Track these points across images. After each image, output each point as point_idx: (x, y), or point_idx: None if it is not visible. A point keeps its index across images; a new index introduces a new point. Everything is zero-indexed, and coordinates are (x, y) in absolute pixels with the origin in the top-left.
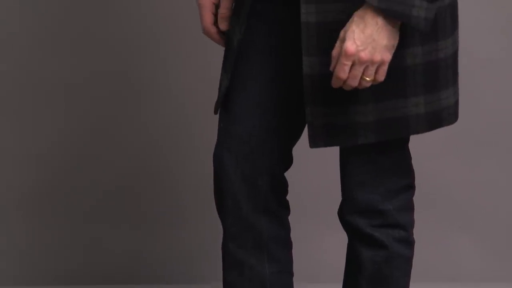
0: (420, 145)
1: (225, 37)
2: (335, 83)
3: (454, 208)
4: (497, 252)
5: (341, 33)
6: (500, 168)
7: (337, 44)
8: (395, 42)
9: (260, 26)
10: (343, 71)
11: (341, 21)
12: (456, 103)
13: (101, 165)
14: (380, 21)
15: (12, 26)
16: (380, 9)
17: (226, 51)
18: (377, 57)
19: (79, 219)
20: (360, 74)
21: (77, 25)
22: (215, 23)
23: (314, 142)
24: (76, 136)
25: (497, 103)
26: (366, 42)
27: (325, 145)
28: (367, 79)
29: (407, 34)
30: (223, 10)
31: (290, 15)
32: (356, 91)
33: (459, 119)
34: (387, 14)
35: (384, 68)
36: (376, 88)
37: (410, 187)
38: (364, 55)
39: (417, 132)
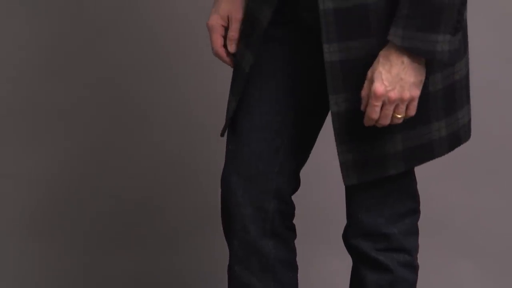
0: (423, 170)
1: (234, 62)
2: (367, 123)
3: (457, 234)
4: (499, 278)
5: (369, 74)
6: (502, 194)
7: (366, 84)
8: (422, 77)
9: (273, 51)
10: (374, 112)
11: (365, 57)
12: (470, 120)
13: (101, 190)
14: (405, 59)
15: (11, 47)
16: (404, 48)
17: (234, 74)
18: (406, 95)
19: (78, 244)
20: (391, 113)
21: (77, 51)
22: (225, 45)
23: (348, 179)
24: (75, 161)
25: (499, 129)
26: (394, 81)
27: (359, 181)
28: (399, 116)
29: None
30: (232, 33)
31: (305, 43)
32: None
33: (461, 145)
34: (412, 52)
35: (415, 104)
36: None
37: (415, 211)
38: (393, 94)
39: (440, 155)
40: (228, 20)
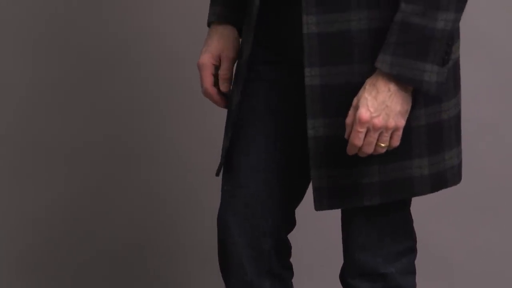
0: (421, 207)
1: (227, 99)
2: (350, 150)
3: (451, 273)
4: None
5: (354, 101)
6: (503, 232)
7: (351, 112)
8: (408, 107)
9: (259, 88)
10: (358, 138)
11: (345, 84)
12: (460, 164)
13: (95, 231)
14: (392, 87)
15: (11, 80)
16: (391, 75)
17: (228, 114)
18: (391, 123)
19: (74, 284)
20: (375, 141)
21: (75, 89)
22: (216, 84)
23: (320, 205)
24: (66, 203)
25: (497, 167)
26: (379, 108)
27: (330, 208)
28: (382, 145)
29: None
30: (224, 71)
31: (291, 77)
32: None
33: (459, 183)
34: (399, 80)
35: (399, 134)
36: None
37: (412, 250)
38: (378, 121)
39: (421, 194)
40: (220, 59)
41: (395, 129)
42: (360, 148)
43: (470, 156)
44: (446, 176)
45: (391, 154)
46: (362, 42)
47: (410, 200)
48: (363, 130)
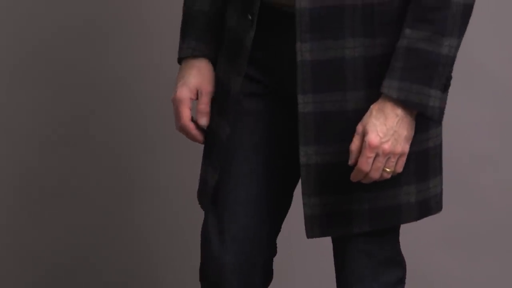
0: (416, 239)
1: (209, 132)
2: (356, 176)
3: None
4: None
5: (359, 127)
6: (502, 266)
7: (355, 138)
8: (412, 132)
9: (245, 121)
10: (367, 164)
11: (338, 111)
12: (441, 192)
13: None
14: (399, 112)
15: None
16: (399, 101)
17: (209, 144)
18: (399, 149)
19: None
20: (382, 166)
21: (72, 129)
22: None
23: (312, 232)
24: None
25: (496, 196)
26: (388, 134)
27: (322, 235)
28: (388, 170)
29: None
30: (203, 105)
31: (278, 107)
32: (350, 183)
33: (458, 213)
34: (406, 105)
35: (404, 159)
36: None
37: (402, 280)
38: (388, 147)
39: (408, 221)
40: (198, 94)
41: (402, 155)
42: (366, 174)
43: (471, 189)
44: (431, 204)
45: (382, 181)
46: (356, 70)
47: (399, 229)
48: (373, 155)
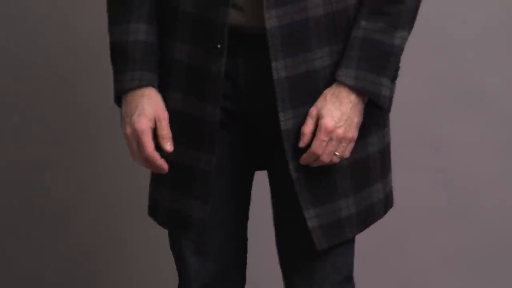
0: (418, 260)
1: (175, 164)
2: (308, 159)
3: None
4: None
5: (313, 111)
6: (502, 286)
7: (308, 121)
8: (361, 119)
9: (227, 152)
10: (321, 147)
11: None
12: (392, 187)
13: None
14: (353, 98)
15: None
16: (355, 88)
17: (184, 178)
18: (350, 134)
19: None
20: (334, 151)
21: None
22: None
23: (319, 243)
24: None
25: (497, 218)
26: (342, 119)
27: (328, 244)
28: (337, 154)
29: (365, 125)
30: (166, 131)
31: (248, 132)
32: (337, 188)
33: (460, 234)
34: (362, 92)
35: (352, 145)
36: (353, 180)
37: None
38: (341, 131)
39: (379, 218)
40: (156, 122)
41: (351, 140)
42: (317, 157)
43: (472, 211)
44: (390, 199)
45: (360, 182)
46: (327, 79)
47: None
48: (327, 139)
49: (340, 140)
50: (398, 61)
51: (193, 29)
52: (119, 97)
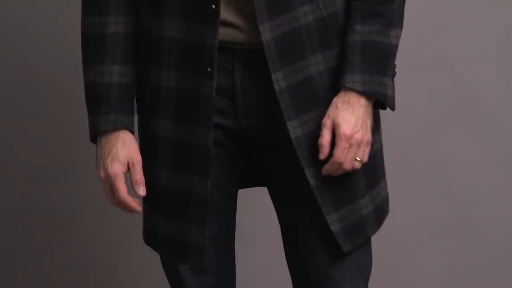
0: (417, 275)
1: (165, 190)
2: (331, 169)
3: None
4: None
5: (327, 121)
6: None
7: (325, 132)
8: (372, 121)
9: (218, 166)
10: (343, 155)
11: (319, 127)
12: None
13: None
14: (363, 102)
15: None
16: (364, 93)
17: (178, 201)
18: (366, 137)
19: None
20: (355, 156)
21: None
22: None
23: (344, 246)
24: None
25: (496, 232)
26: (358, 123)
27: (353, 246)
28: (358, 159)
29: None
30: (139, 176)
31: (243, 147)
32: (355, 188)
33: (459, 249)
34: (371, 96)
35: (369, 148)
36: (366, 178)
37: None
38: (359, 136)
39: (387, 214)
40: (129, 166)
41: (368, 143)
42: (340, 165)
43: (471, 225)
44: (387, 202)
45: (373, 179)
46: (324, 83)
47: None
48: (348, 146)
49: (359, 144)
50: (395, 57)
51: (180, 55)
52: (95, 139)
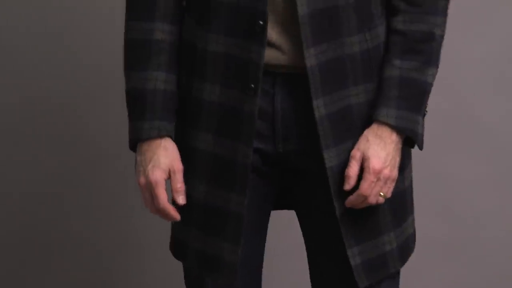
0: None
1: (201, 204)
2: (355, 201)
3: None
4: None
5: (356, 153)
6: None
7: (353, 163)
8: (401, 158)
9: (255, 190)
10: (369, 188)
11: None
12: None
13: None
14: (395, 138)
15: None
16: (397, 128)
17: (213, 216)
18: (394, 174)
19: None
20: (380, 191)
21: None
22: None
23: (361, 281)
24: None
25: (496, 252)
26: (388, 159)
27: (370, 281)
28: (382, 195)
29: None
30: (180, 184)
31: (276, 172)
32: (380, 224)
33: (458, 269)
34: (403, 132)
35: (394, 184)
36: (394, 215)
37: None
38: (388, 171)
39: (412, 251)
40: (170, 173)
41: (394, 180)
42: (365, 199)
43: (471, 245)
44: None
45: (400, 215)
46: (362, 115)
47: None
48: (375, 180)
49: (386, 180)
50: (428, 98)
51: (225, 69)
52: (134, 145)
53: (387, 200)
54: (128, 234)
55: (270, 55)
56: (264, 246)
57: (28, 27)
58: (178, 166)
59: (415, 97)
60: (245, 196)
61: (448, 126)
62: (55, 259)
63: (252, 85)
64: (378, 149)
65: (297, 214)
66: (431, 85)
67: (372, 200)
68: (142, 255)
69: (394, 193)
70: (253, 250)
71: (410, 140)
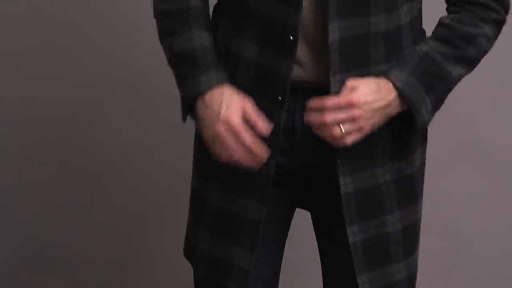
0: None
1: (217, 209)
2: (314, 119)
3: None
4: None
5: (350, 82)
6: None
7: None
8: (381, 124)
9: (273, 203)
10: (333, 104)
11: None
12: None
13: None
14: (391, 98)
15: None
16: (400, 91)
17: (227, 221)
18: (363, 123)
19: None
20: (341, 121)
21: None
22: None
23: None
24: None
25: (500, 270)
26: (369, 103)
27: None
28: (342, 130)
29: (418, 189)
30: (257, 117)
31: (297, 187)
32: (392, 252)
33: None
34: (404, 97)
35: (358, 135)
36: (405, 245)
37: None
38: (359, 112)
39: (415, 282)
40: (245, 114)
41: (360, 129)
42: (323, 121)
43: (474, 262)
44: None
45: (410, 248)
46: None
47: None
48: (343, 106)
49: (354, 118)
50: (447, 91)
51: (255, 77)
52: (191, 105)
53: (402, 229)
54: (128, 234)
55: (295, 71)
56: (280, 261)
57: (29, 27)
58: (249, 106)
59: (432, 76)
60: (264, 205)
61: (448, 144)
62: (55, 259)
63: (280, 97)
64: (367, 90)
65: (314, 230)
66: (453, 79)
67: (328, 128)
68: (143, 255)
69: (410, 223)
70: (269, 265)
71: (407, 126)
